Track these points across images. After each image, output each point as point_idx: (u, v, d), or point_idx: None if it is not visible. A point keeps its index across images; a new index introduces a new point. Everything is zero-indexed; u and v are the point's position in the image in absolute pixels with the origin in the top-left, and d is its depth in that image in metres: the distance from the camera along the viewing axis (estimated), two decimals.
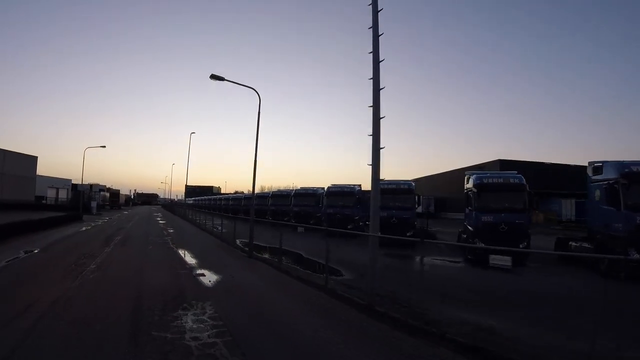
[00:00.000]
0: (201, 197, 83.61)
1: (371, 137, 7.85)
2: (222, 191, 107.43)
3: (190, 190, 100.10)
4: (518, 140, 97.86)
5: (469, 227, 15.34)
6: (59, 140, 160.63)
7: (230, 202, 50.63)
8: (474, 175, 16.12)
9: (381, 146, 7.87)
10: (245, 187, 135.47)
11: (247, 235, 15.19)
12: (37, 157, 48.87)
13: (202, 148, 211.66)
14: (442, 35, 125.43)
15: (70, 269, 9.56)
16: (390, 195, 19.96)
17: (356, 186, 25.26)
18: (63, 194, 60.43)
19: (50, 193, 56.04)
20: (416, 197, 20.26)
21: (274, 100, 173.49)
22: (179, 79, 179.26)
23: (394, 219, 19.24)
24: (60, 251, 13.03)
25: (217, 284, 8.81)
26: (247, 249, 14.93)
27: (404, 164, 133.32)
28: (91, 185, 64.03)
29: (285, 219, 28.82)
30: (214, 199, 66.68)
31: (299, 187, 31.27)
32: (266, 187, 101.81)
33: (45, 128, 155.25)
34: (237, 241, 16.61)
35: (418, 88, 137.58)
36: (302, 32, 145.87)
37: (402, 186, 20.65)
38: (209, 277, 9.41)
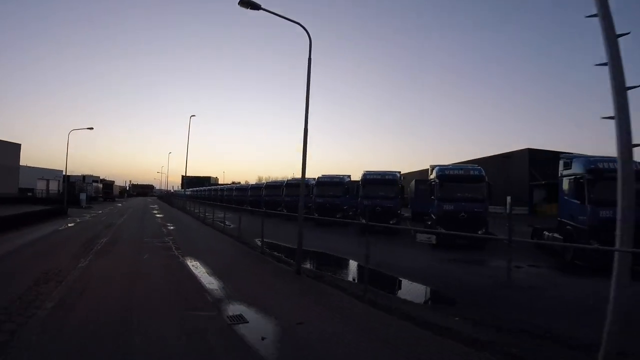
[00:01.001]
0: (201, 187, 79.40)
1: (607, 67, 4.03)
2: (220, 182, 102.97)
3: (187, 181, 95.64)
4: (545, 130, 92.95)
5: (577, 225, 11.83)
6: (53, 132, 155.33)
7: (234, 193, 46.50)
8: (581, 159, 12.58)
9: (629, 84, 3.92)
10: (243, 177, 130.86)
11: (270, 236, 12.36)
12: (20, 144, 44.48)
13: (199, 139, 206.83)
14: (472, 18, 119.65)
15: (9, 313, 5.27)
16: (458, 183, 15.87)
17: (396, 173, 21.34)
18: (54, 186, 56.51)
19: (40, 185, 52.43)
20: (487, 186, 15.83)
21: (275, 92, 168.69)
22: (177, 65, 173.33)
23: (463, 214, 15.09)
24: (14, 267, 8.76)
25: (280, 347, 4.51)
26: (279, 255, 11.55)
27: (417, 153, 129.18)
28: (84, 177, 60.41)
29: (304, 211, 25.08)
30: (216, 190, 61.77)
31: (321, 175, 27.06)
32: (263, 177, 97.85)
33: (38, 119, 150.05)
34: (257, 241, 12.74)
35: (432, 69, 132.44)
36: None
37: (472, 172, 16.39)
38: (255, 327, 5.15)
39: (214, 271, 8.81)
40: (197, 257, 10.55)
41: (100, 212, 31.75)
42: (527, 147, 39.19)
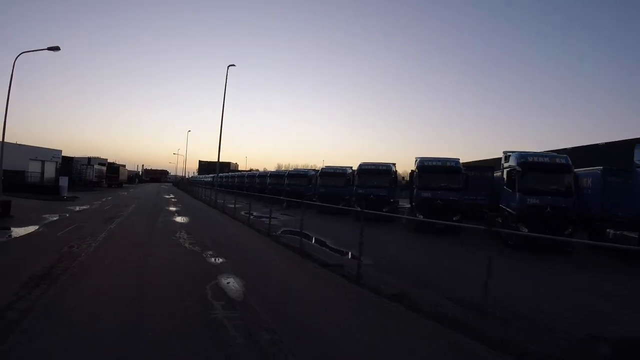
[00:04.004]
0: (231, 173, 67.91)
1: None
2: (240, 168, 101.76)
3: (205, 167, 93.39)
4: None
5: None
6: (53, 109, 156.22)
7: (287, 181, 32.90)
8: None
9: None
10: (261, 165, 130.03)
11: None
12: None
13: (215, 125, 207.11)
14: None
15: None
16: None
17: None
18: (50, 168, 54.32)
19: (33, 167, 49.19)
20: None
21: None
22: (202, 50, 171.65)
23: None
24: None
25: None
26: None
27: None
28: (89, 159, 58.30)
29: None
30: (252, 176, 48.67)
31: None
32: (283, 165, 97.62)
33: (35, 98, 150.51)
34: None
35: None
36: None
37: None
38: None
39: None
40: None
41: (83, 208, 22.06)
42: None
